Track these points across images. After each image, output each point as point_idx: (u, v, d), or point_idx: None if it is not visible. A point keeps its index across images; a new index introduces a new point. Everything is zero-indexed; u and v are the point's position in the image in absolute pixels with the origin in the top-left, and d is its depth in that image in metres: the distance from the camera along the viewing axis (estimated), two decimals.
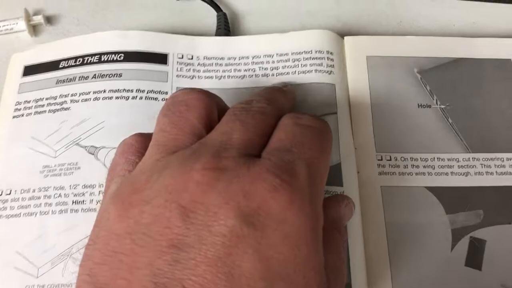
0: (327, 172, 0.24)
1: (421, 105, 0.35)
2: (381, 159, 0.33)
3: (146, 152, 0.24)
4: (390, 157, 0.34)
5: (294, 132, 0.24)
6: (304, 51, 0.36)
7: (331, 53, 0.36)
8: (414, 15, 0.44)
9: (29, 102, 0.34)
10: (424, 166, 0.33)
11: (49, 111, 0.34)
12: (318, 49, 0.36)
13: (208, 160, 0.21)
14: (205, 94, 0.26)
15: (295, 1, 0.44)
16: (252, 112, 0.25)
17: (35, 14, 0.41)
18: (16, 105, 0.34)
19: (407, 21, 0.44)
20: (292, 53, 0.36)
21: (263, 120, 0.25)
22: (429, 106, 0.35)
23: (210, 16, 0.42)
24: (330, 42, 0.37)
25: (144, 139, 0.26)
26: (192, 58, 0.36)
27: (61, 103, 0.34)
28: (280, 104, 0.28)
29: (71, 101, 0.34)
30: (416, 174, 0.33)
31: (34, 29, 0.40)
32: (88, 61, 0.35)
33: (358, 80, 0.36)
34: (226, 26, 0.40)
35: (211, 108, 0.25)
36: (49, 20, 0.41)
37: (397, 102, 0.36)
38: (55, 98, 0.34)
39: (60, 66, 0.36)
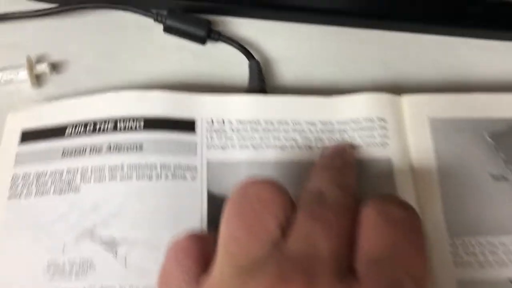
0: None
1: (495, 177, 0.30)
2: (455, 245, 0.28)
3: (214, 264, 0.21)
4: (464, 241, 0.29)
5: (387, 233, 0.21)
6: (351, 120, 0.31)
7: (383, 120, 0.31)
8: (475, 63, 0.38)
9: (28, 177, 0.29)
10: (504, 252, 0.28)
11: (54, 191, 0.28)
12: (368, 117, 0.31)
13: (300, 284, 0.18)
14: (280, 188, 0.23)
15: (335, 45, 0.38)
16: (329, 207, 0.22)
17: (39, 60, 0.35)
18: (12, 180, 0.29)
19: (468, 71, 0.38)
20: (337, 122, 0.31)
21: (345, 216, 0.22)
22: (505, 179, 0.30)
23: (240, 63, 0.37)
24: (382, 106, 0.31)
25: (201, 241, 0.23)
26: (223, 123, 0.31)
27: (69, 182, 0.29)
28: (352, 183, 0.26)
29: (81, 180, 0.29)
30: (496, 262, 0.28)
31: (37, 79, 0.35)
32: (102, 128, 0.30)
33: (421, 150, 0.31)
34: (260, 78, 0.35)
35: (288, 205, 0.22)
36: (54, 67, 0.35)
37: (468, 174, 0.30)
38: (61, 174, 0.29)
39: (67, 133, 0.30)
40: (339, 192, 0.23)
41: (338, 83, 0.37)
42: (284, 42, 0.38)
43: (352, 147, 0.30)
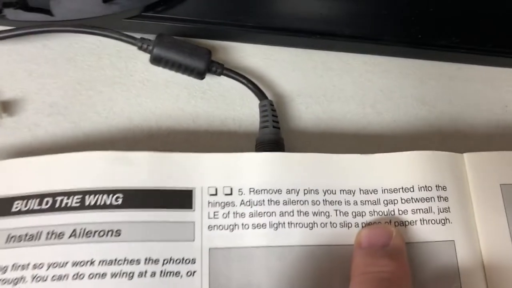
0: None
1: None
2: None
3: None
4: None
5: None
6: (402, 188, 0.23)
7: (443, 188, 0.23)
8: None
9: None
10: None
11: None
12: (424, 184, 0.23)
13: None
14: None
15: (364, 77, 0.31)
16: None
17: None
18: None
19: None
20: (383, 190, 0.23)
21: None
22: None
23: (248, 102, 0.29)
24: (441, 169, 0.24)
25: None
26: (231, 193, 0.23)
27: (16, 281, 0.20)
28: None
29: (33, 279, 0.20)
30: None
31: None
32: (64, 204, 0.21)
33: (492, 228, 0.23)
34: (275, 124, 0.27)
35: None
36: (7, 107, 0.27)
37: None
38: (4, 270, 0.20)
39: (15, 209, 0.22)
40: None
41: (370, 126, 0.30)
42: (300, 73, 0.30)
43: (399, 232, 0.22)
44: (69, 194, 0.22)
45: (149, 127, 0.28)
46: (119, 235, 0.21)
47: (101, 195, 0.22)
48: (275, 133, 0.27)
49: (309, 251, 0.22)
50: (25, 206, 0.21)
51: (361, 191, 0.23)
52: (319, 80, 0.31)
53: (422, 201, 0.23)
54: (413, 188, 0.23)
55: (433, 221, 0.23)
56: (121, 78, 0.29)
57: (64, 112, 0.27)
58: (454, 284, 0.22)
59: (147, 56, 0.28)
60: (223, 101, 0.29)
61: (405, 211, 0.23)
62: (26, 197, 0.22)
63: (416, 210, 0.23)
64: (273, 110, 0.27)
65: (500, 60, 0.32)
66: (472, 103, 0.31)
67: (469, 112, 0.31)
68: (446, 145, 0.30)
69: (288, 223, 0.22)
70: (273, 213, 0.23)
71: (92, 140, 0.27)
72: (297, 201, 0.23)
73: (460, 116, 0.31)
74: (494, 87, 0.32)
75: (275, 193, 0.23)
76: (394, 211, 0.23)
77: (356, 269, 0.21)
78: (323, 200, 0.23)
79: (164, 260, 0.21)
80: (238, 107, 0.29)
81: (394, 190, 0.23)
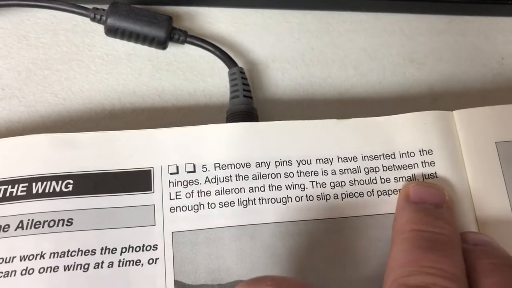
0: None
1: None
2: None
3: None
4: None
5: None
6: (383, 155, 0.21)
7: (429, 151, 0.21)
8: None
9: None
10: None
11: None
12: (406, 150, 0.21)
13: None
14: None
15: (343, 37, 0.28)
16: None
17: None
18: None
19: None
20: (363, 157, 0.21)
21: None
22: None
23: (216, 71, 0.26)
24: (427, 130, 0.21)
25: None
26: (194, 170, 0.21)
27: None
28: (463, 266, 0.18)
29: None
30: None
31: None
32: (8, 193, 0.20)
33: (488, 192, 0.21)
34: (246, 93, 0.24)
35: None
36: None
37: None
38: None
39: None
40: None
41: (353, 89, 0.27)
42: (273, 36, 0.28)
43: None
44: (13, 182, 0.20)
45: (112, 105, 0.26)
46: (71, 224, 0.19)
47: (49, 182, 0.20)
48: (246, 103, 0.24)
49: (284, 227, 0.20)
50: None
51: (339, 159, 0.21)
52: (295, 43, 0.28)
53: (405, 168, 0.21)
54: (394, 154, 0.21)
55: None
56: (79, 54, 0.26)
57: (19, 95, 0.25)
58: None
59: (102, 28, 0.25)
60: (191, 72, 0.27)
61: (388, 179, 0.21)
62: None
63: (399, 178, 0.21)
64: (243, 78, 0.25)
65: (495, 8, 0.29)
66: (465, 58, 0.29)
67: (462, 68, 0.28)
68: (437, 105, 0.27)
69: (259, 199, 0.20)
70: (242, 189, 0.20)
71: (50, 124, 0.25)
72: (268, 174, 0.21)
73: (452, 73, 0.28)
74: (489, 39, 0.29)
75: (243, 167, 0.21)
76: (376, 179, 0.21)
77: (406, 224, 0.19)
78: (297, 172, 0.21)
79: (122, 249, 0.19)
80: (208, 78, 0.27)
81: (374, 157, 0.21)
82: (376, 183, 0.21)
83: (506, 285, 0.17)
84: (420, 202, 0.20)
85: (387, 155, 0.21)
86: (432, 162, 0.21)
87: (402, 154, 0.21)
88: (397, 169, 0.21)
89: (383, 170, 0.21)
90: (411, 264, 0.17)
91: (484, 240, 0.20)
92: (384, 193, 0.21)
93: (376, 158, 0.21)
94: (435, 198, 0.20)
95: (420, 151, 0.21)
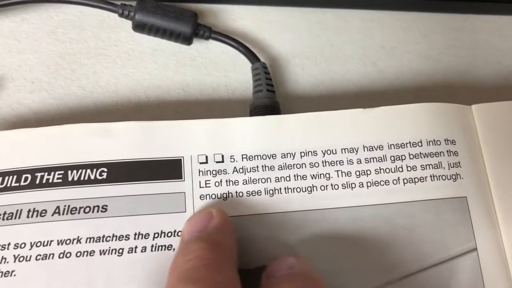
0: None
1: None
2: None
3: None
4: None
5: None
6: (410, 143, 0.22)
7: (452, 142, 0.22)
8: None
9: None
10: None
11: None
12: (433, 138, 0.21)
13: None
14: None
15: (362, 34, 0.29)
16: None
17: None
18: None
19: None
20: (389, 145, 0.22)
21: None
22: None
23: (240, 67, 0.27)
24: (449, 122, 0.22)
25: None
26: (222, 161, 0.21)
27: None
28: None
29: (16, 259, 0.19)
30: None
31: None
32: (44, 180, 0.20)
33: (506, 183, 0.21)
34: (269, 87, 0.25)
35: None
36: None
37: None
38: None
39: None
40: None
41: (372, 85, 0.28)
42: (294, 33, 0.29)
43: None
44: (49, 169, 0.20)
45: (138, 99, 0.26)
46: (105, 210, 0.20)
47: (84, 170, 0.20)
48: (269, 97, 0.25)
49: (310, 215, 0.21)
50: (1, 184, 0.20)
51: (365, 148, 0.22)
52: (315, 40, 0.29)
53: (431, 156, 0.21)
54: (421, 142, 0.22)
55: (443, 177, 0.21)
56: (105, 49, 0.27)
57: (48, 88, 0.26)
58: (469, 243, 0.20)
59: (129, 23, 0.26)
60: (214, 68, 0.27)
61: (414, 167, 0.21)
62: (4, 175, 0.20)
63: (426, 165, 0.21)
64: (266, 72, 0.26)
65: (509, 7, 0.30)
66: (480, 55, 0.29)
67: (477, 64, 0.29)
68: (453, 100, 0.27)
69: (285, 188, 0.21)
70: (268, 179, 0.21)
71: (78, 115, 0.26)
72: (294, 165, 0.21)
73: (468, 69, 0.29)
74: (504, 37, 0.30)
75: (270, 158, 0.22)
76: (402, 167, 0.21)
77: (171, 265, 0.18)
78: (322, 162, 0.22)
79: (154, 234, 0.20)
80: (231, 73, 0.27)
81: (401, 145, 0.22)
82: (402, 171, 0.21)
83: None
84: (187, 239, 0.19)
85: (414, 143, 0.22)
86: (456, 152, 0.22)
87: (429, 142, 0.22)
88: (424, 157, 0.21)
89: (410, 158, 0.22)
90: None
91: (287, 264, 0.18)
92: (410, 181, 0.21)
93: (403, 146, 0.22)
94: (199, 224, 0.19)
95: (445, 140, 0.22)
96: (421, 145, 0.22)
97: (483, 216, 0.21)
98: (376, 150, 0.22)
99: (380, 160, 0.22)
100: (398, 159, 0.21)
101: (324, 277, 0.18)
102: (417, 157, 0.21)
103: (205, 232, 0.19)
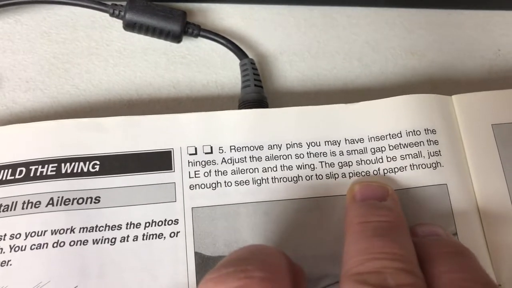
0: None
1: None
2: None
3: None
4: None
5: None
6: (390, 134, 0.22)
7: (433, 131, 0.22)
8: None
9: None
10: None
11: None
12: (412, 128, 0.22)
13: None
14: (270, 285, 0.16)
15: (348, 31, 0.30)
16: None
17: None
18: None
19: (510, 48, 0.30)
20: (369, 138, 0.22)
21: None
22: None
23: (229, 64, 0.28)
24: (430, 112, 0.23)
25: None
26: (211, 152, 0.22)
27: None
28: (413, 250, 0.18)
29: (11, 249, 0.20)
30: None
31: None
32: (39, 173, 0.21)
33: (485, 170, 0.22)
34: (257, 82, 0.26)
35: None
36: None
37: None
38: None
39: None
40: (408, 270, 0.16)
41: (358, 80, 0.29)
42: (282, 31, 0.29)
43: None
44: (43, 162, 0.21)
45: (129, 96, 0.27)
46: (98, 201, 0.21)
47: (77, 163, 0.21)
48: (257, 92, 0.26)
49: (295, 204, 0.21)
50: None
51: (347, 141, 0.23)
52: (302, 37, 0.30)
53: (411, 146, 0.22)
54: (400, 133, 0.23)
55: (423, 166, 0.22)
56: (98, 48, 0.28)
57: (42, 87, 0.27)
58: (449, 228, 0.21)
59: (120, 22, 0.27)
60: (204, 65, 0.28)
61: (394, 157, 0.22)
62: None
63: (406, 155, 0.22)
64: (254, 68, 0.27)
65: (491, 2, 0.31)
66: (464, 50, 0.30)
67: (460, 58, 0.30)
68: (437, 93, 0.28)
69: (272, 178, 0.22)
70: (256, 169, 0.22)
71: (72, 113, 0.26)
72: (280, 156, 0.22)
73: (452, 63, 0.30)
74: (486, 31, 0.31)
75: (257, 149, 0.22)
76: (382, 158, 0.22)
77: (353, 219, 0.20)
78: (307, 153, 0.22)
79: (146, 223, 0.20)
80: (220, 70, 0.28)
81: (381, 137, 0.23)
82: (383, 162, 0.22)
83: (459, 272, 0.17)
84: (365, 199, 0.21)
85: (393, 135, 0.23)
86: (436, 141, 0.22)
87: (409, 132, 0.23)
88: (404, 147, 0.22)
89: (389, 149, 0.22)
90: (361, 254, 0.17)
91: (433, 230, 0.20)
92: (391, 171, 0.22)
93: (383, 138, 0.23)
94: (378, 194, 0.21)
95: (425, 130, 0.23)
96: (401, 136, 0.22)
97: (463, 202, 0.22)
98: (357, 142, 0.22)
99: (361, 152, 0.22)
100: (378, 150, 0.22)
101: (305, 263, 0.19)
102: (396, 147, 0.22)
103: (387, 203, 0.20)
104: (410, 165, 0.22)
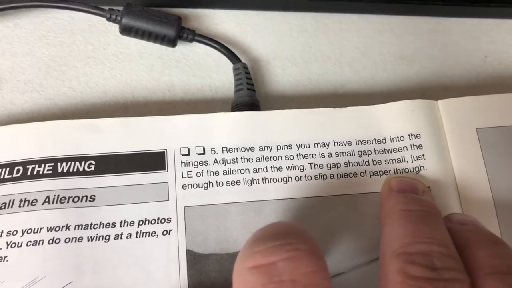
0: None
1: None
2: None
3: None
4: None
5: None
6: (375, 139, 0.23)
7: (417, 136, 0.23)
8: (505, 47, 0.31)
9: None
10: None
11: None
12: (396, 135, 0.23)
13: None
14: (316, 257, 0.17)
15: (339, 36, 0.31)
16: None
17: None
18: None
19: (496, 55, 0.31)
20: (356, 141, 0.23)
21: None
22: None
23: (222, 68, 0.29)
24: (415, 118, 0.24)
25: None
26: (204, 152, 0.23)
27: None
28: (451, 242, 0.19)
29: (8, 245, 0.20)
30: None
31: None
32: (35, 172, 0.22)
33: (470, 174, 0.23)
34: (250, 86, 0.27)
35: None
36: None
37: None
38: None
39: None
40: (453, 262, 0.18)
41: (348, 84, 0.29)
42: (275, 36, 0.30)
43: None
44: (40, 162, 0.22)
45: (125, 99, 0.28)
46: (93, 200, 0.21)
47: (73, 162, 0.22)
48: (249, 95, 0.26)
49: (285, 204, 0.22)
50: None
51: (335, 143, 0.23)
52: (295, 42, 0.30)
53: (394, 151, 0.23)
54: (385, 139, 0.23)
55: (406, 170, 0.23)
56: (94, 52, 0.29)
57: (39, 89, 0.28)
58: None
59: (116, 27, 0.28)
60: (198, 69, 0.29)
61: (379, 161, 0.23)
62: None
63: (390, 160, 0.23)
64: (247, 72, 0.27)
65: (478, 10, 0.32)
66: (452, 56, 0.31)
67: (448, 65, 0.31)
68: (426, 98, 0.29)
69: (262, 178, 0.22)
70: (247, 170, 0.23)
71: (68, 115, 0.27)
72: (270, 157, 0.23)
73: (440, 69, 0.31)
74: (473, 38, 0.32)
75: (248, 150, 0.23)
76: (368, 161, 0.23)
77: (395, 206, 0.20)
78: (297, 155, 0.23)
79: (139, 222, 0.21)
80: (214, 73, 0.29)
81: (367, 142, 0.23)
82: (369, 165, 0.23)
83: (499, 258, 0.18)
84: (403, 191, 0.22)
85: (379, 140, 0.23)
86: (420, 145, 0.23)
87: (393, 138, 0.23)
88: (388, 152, 0.23)
89: (375, 153, 0.23)
90: (408, 237, 0.19)
91: (469, 220, 0.21)
92: (376, 174, 0.23)
93: (369, 143, 0.23)
94: (414, 188, 0.22)
95: (409, 135, 0.23)
96: (385, 142, 0.23)
97: (447, 205, 0.22)
98: (345, 145, 0.23)
99: (349, 155, 0.23)
100: (364, 154, 0.23)
101: None
102: (381, 152, 0.23)
103: (427, 195, 0.21)
104: (394, 169, 0.23)
